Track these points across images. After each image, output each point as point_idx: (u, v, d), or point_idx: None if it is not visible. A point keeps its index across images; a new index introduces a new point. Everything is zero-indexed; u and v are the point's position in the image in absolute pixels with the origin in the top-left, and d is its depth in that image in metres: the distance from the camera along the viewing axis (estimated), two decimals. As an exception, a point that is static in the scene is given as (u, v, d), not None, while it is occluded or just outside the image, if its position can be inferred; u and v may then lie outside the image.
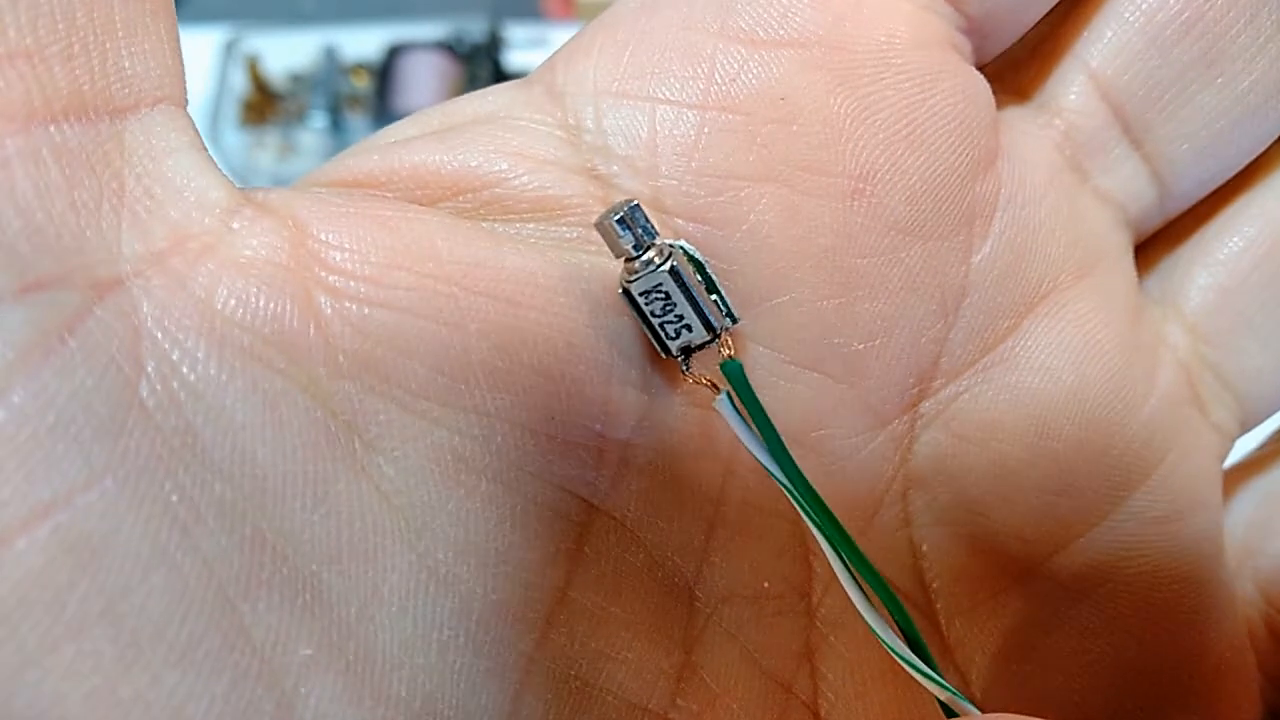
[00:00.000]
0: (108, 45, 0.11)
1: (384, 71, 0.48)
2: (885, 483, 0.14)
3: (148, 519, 0.10)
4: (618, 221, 0.13)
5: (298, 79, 0.48)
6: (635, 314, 0.13)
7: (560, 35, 0.51)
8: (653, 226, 0.13)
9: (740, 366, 0.13)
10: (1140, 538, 0.15)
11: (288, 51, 0.48)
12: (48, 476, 0.10)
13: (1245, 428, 0.17)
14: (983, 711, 0.14)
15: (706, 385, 0.13)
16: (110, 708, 0.10)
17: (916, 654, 0.13)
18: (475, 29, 0.49)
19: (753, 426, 0.13)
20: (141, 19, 0.11)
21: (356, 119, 0.47)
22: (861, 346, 0.14)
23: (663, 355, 0.13)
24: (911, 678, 0.13)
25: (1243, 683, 0.16)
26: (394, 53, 0.49)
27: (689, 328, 0.13)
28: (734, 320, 0.13)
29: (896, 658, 0.13)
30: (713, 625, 0.14)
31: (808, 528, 0.13)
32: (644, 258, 0.13)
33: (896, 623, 0.13)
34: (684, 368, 0.13)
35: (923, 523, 0.15)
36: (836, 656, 0.14)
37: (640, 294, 0.13)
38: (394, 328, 0.12)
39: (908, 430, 0.15)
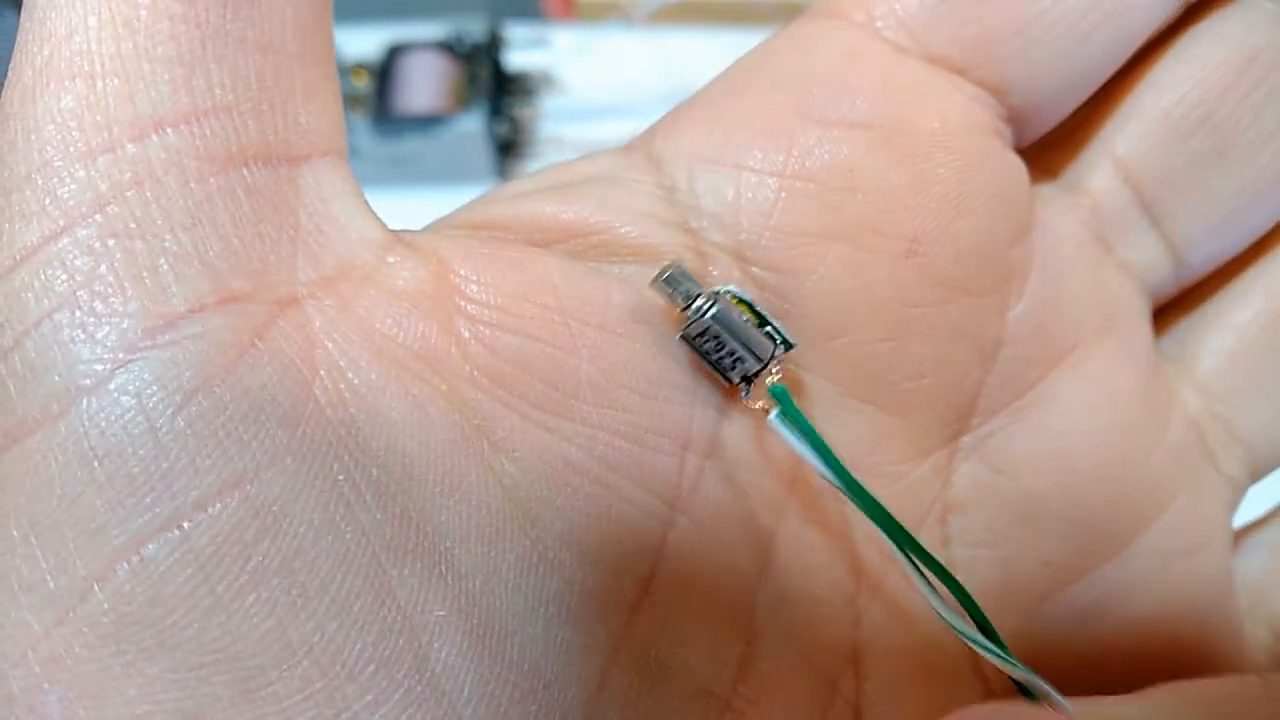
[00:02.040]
0: (289, 104, 0.14)
1: (384, 71, 0.50)
2: (926, 506, 0.17)
3: (319, 493, 0.13)
4: (665, 281, 0.16)
5: (298, 79, 0.50)
6: (696, 355, 0.16)
7: (560, 35, 0.53)
8: (695, 282, 0.16)
9: (785, 390, 0.15)
10: (1153, 571, 0.18)
11: (288, 51, 0.50)
12: (240, 453, 0.13)
13: (1256, 477, 0.20)
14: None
15: (762, 409, 0.16)
16: (280, 648, 0.13)
17: (990, 638, 0.15)
18: (475, 29, 0.51)
19: (800, 441, 0.15)
20: (316, 83, 0.15)
21: (356, 119, 0.49)
22: (910, 385, 0.17)
23: (726, 385, 0.16)
24: (946, 684, 0.16)
25: None
26: (394, 52, 0.51)
27: (742, 360, 0.16)
28: (789, 346, 0.16)
29: (969, 641, 0.15)
30: (771, 624, 0.16)
31: (860, 538, 0.16)
32: (694, 307, 0.16)
33: (967, 610, 0.16)
34: (744, 394, 0.16)
35: (960, 544, 0.18)
36: (878, 661, 0.17)
37: (694, 338, 0.16)
38: (518, 350, 0.15)
39: (948, 461, 0.18)
